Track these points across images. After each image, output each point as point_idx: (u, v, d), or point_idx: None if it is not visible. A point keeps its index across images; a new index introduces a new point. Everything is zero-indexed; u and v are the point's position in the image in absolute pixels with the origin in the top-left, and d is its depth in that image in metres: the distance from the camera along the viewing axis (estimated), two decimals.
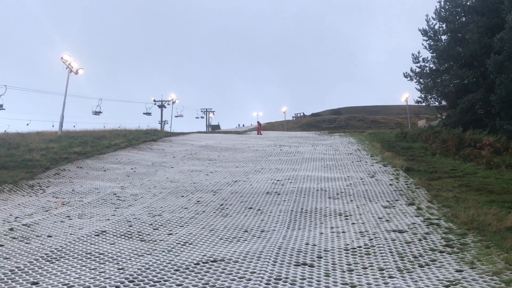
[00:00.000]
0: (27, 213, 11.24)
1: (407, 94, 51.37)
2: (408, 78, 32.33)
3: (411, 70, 32.14)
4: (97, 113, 45.90)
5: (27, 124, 47.24)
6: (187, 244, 8.34)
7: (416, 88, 32.91)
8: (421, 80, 31.90)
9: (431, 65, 31.98)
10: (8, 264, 7.05)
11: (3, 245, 8.19)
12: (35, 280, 6.26)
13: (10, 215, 11.01)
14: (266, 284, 6.06)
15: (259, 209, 11.40)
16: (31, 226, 9.75)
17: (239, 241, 8.60)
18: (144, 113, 56.73)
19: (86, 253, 7.71)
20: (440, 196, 11.76)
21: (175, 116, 63.91)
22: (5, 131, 30.62)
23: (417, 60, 31.98)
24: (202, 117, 77.48)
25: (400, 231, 8.76)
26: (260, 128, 46.91)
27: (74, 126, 39.85)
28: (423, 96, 32.37)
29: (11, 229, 9.37)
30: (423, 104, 33.85)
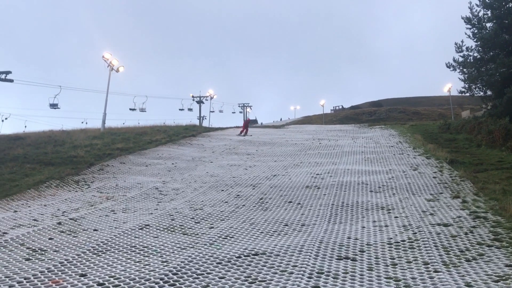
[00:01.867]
0: (74, 208, 11.63)
1: (450, 85, 49.99)
2: (451, 68, 31.26)
3: (454, 60, 31.07)
4: (142, 110, 47.56)
5: (82, 122, 48.91)
6: (228, 237, 8.41)
7: (459, 78, 31.82)
8: (464, 69, 30.82)
9: (475, 54, 30.87)
10: (57, 256, 7.33)
11: (53, 238, 8.52)
12: (83, 272, 6.47)
13: (58, 209, 11.43)
14: (308, 277, 6.04)
15: (299, 203, 11.36)
16: (77, 220, 10.08)
17: (279, 234, 8.59)
18: (180, 109, 57.69)
19: (130, 246, 7.91)
20: (487, 189, 11.37)
21: (211, 112, 64.46)
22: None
23: (460, 50, 30.89)
24: (240, 112, 77.72)
25: (445, 225, 8.53)
26: (246, 126, 33.97)
27: (123, 123, 41.23)
28: (467, 86, 31.27)
29: (59, 223, 9.72)
30: (467, 94, 32.70)
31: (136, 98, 47.15)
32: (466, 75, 30.73)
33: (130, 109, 47.10)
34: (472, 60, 30.37)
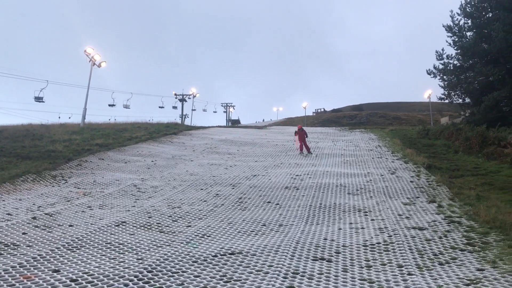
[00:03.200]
0: (50, 203, 11.45)
1: (430, 91, 50.91)
2: (432, 75, 31.83)
3: (434, 67, 31.65)
4: (125, 106, 47.60)
5: (69, 118, 48.47)
6: (205, 236, 8.39)
7: (439, 85, 32.45)
8: (444, 77, 31.37)
9: (455, 62, 31.45)
10: (30, 251, 7.20)
11: (26, 233, 8.37)
12: (57, 268, 6.37)
13: (33, 204, 11.23)
14: (283, 278, 6.05)
15: (278, 204, 11.40)
16: (53, 215, 9.93)
17: (257, 234, 8.61)
18: (160, 107, 57.38)
19: (106, 243, 7.82)
20: (462, 194, 11.57)
21: (193, 110, 64.28)
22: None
23: (440, 57, 31.46)
24: (224, 112, 77.69)
25: (420, 228, 8.65)
26: (303, 138, 21.76)
27: (109, 120, 41.02)
28: (446, 93, 31.86)
29: (34, 218, 9.56)
30: (446, 101, 33.33)
31: (121, 95, 47.09)
32: (446, 82, 31.29)
33: (109, 105, 46.79)
34: (452, 68, 30.94)
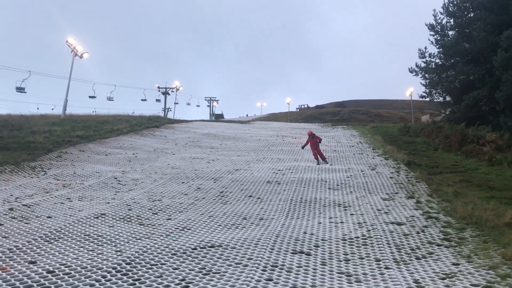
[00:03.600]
0: (28, 194, 11.29)
1: (412, 89, 51.59)
2: (414, 73, 32.09)
3: (416, 65, 31.92)
4: (109, 99, 47.35)
5: (52, 109, 47.69)
6: (185, 229, 8.37)
7: (421, 83, 32.73)
8: (426, 75, 31.68)
9: (437, 60, 31.78)
10: (6, 243, 7.10)
11: (3, 224, 8.24)
12: (33, 259, 6.30)
13: (11, 195, 11.06)
14: (262, 270, 6.08)
15: (259, 198, 11.42)
16: (31, 206, 9.80)
17: (237, 228, 8.62)
18: (142, 100, 56.72)
19: (84, 235, 7.75)
20: (440, 191, 11.74)
21: (175, 103, 63.87)
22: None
23: (423, 56, 31.74)
24: (208, 106, 77.22)
25: (399, 224, 8.76)
26: (316, 145, 18.05)
27: (93, 112, 40.51)
28: (427, 91, 32.17)
29: (11, 209, 9.42)
30: (427, 99, 33.65)
31: (103, 87, 46.73)
32: (427, 80, 31.58)
33: (90, 96, 46.30)
34: (433, 66, 31.23)
